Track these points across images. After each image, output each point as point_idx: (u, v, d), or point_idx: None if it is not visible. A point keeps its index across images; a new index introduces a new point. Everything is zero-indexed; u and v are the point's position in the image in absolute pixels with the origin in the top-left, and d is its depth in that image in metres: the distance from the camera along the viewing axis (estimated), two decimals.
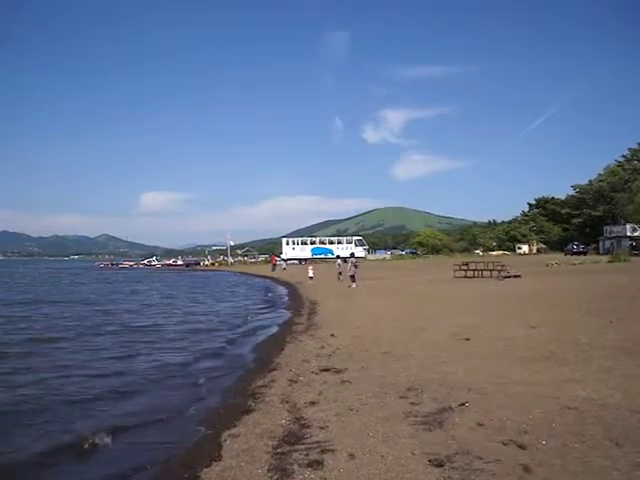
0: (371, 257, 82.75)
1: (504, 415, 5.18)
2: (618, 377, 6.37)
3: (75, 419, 6.36)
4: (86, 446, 5.44)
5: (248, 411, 6.09)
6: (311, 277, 32.33)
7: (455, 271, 27.80)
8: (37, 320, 16.46)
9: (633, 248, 51.85)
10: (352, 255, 28.33)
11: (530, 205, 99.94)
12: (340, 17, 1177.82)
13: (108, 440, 5.57)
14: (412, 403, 5.79)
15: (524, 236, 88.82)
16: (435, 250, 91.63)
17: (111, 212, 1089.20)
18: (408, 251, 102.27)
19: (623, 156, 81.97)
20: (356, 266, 25.78)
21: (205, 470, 4.49)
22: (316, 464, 4.32)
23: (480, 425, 4.94)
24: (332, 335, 11.01)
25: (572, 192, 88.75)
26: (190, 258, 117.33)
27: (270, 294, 28.52)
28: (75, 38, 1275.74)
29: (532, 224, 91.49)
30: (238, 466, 4.47)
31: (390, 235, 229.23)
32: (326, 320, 13.88)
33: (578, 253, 58.06)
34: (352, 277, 24.91)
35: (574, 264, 35.07)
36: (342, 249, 70.88)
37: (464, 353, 8.39)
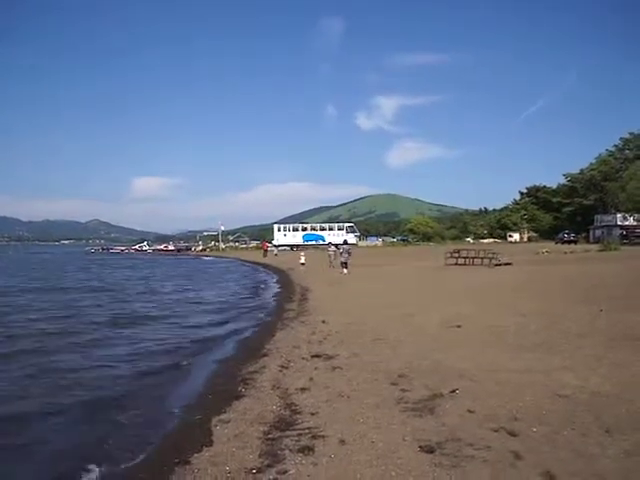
0: (362, 244, 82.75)
1: (495, 402, 5.20)
2: (608, 365, 6.41)
3: None
4: None
5: (239, 397, 6.06)
6: (303, 263, 32.30)
7: (446, 258, 27.79)
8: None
9: (623, 237, 52.33)
10: (345, 242, 28.25)
11: (521, 193, 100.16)
12: (335, 5, 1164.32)
13: None
14: (403, 390, 5.78)
15: (515, 224, 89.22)
16: (426, 237, 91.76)
17: (102, 197, 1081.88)
18: (399, 238, 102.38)
19: (615, 145, 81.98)
20: (349, 253, 25.71)
21: (196, 455, 4.46)
22: (307, 450, 4.31)
23: (471, 412, 4.95)
24: (323, 321, 10.99)
25: (564, 181, 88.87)
26: (181, 243, 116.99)
27: (261, 280, 28.46)
28: (72, 31, 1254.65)
29: (523, 212, 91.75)
30: (229, 451, 4.46)
31: (382, 222, 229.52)
32: (317, 306, 13.86)
33: (569, 242, 58.29)
34: (344, 264, 24.87)
35: (565, 253, 35.32)
36: (333, 236, 70.87)
37: (455, 340, 8.40)
